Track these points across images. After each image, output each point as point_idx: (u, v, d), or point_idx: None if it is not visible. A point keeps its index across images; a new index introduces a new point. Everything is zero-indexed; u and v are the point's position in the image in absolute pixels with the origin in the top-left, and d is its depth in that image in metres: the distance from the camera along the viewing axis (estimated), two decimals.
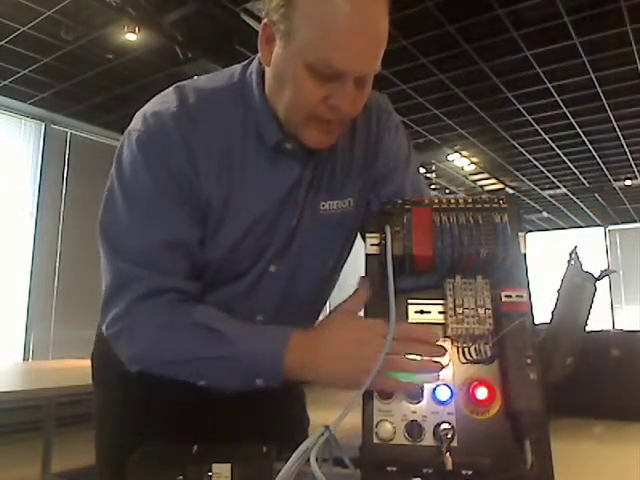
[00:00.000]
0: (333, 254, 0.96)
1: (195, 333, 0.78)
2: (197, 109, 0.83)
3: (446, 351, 0.71)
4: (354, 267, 1.04)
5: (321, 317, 0.92)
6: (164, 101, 0.84)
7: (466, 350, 0.71)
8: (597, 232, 11.10)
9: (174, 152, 0.80)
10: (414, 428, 0.67)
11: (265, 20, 0.78)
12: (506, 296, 0.71)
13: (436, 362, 0.70)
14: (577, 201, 9.37)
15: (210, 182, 0.82)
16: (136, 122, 0.83)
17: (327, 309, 0.90)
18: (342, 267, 1.01)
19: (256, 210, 0.85)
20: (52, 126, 5.74)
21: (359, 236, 0.95)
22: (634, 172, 7.77)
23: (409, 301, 0.75)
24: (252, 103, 0.85)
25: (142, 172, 0.80)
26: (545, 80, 4.95)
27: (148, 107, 0.84)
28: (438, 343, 0.72)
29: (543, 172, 7.80)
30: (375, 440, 0.67)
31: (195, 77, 0.90)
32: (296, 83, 0.75)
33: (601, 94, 5.24)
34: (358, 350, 0.72)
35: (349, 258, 1.01)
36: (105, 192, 0.84)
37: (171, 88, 0.87)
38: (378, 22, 0.74)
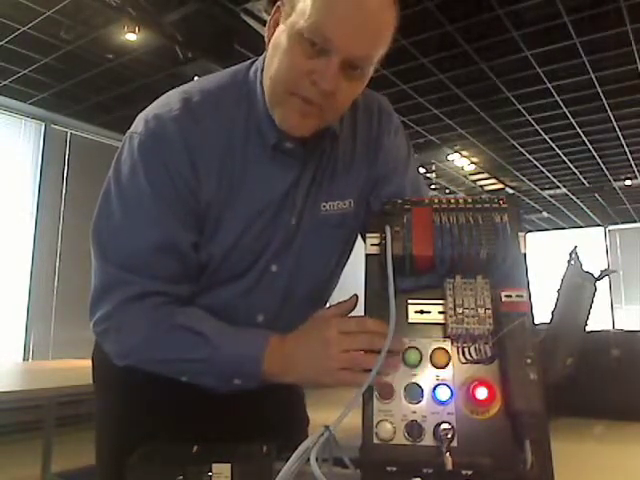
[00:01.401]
0: (334, 255, 0.96)
1: (177, 335, 0.80)
2: (200, 108, 0.83)
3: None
4: (354, 267, 1.04)
5: None
6: (166, 103, 0.84)
7: (466, 350, 0.71)
8: (597, 232, 11.10)
9: (175, 156, 0.80)
10: (414, 428, 0.67)
11: (278, 3, 0.80)
12: (506, 296, 0.71)
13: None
14: (577, 201, 9.37)
15: (210, 183, 0.82)
16: (137, 125, 0.83)
17: None
18: (343, 268, 1.01)
19: (255, 207, 0.86)
20: (52, 126, 5.73)
21: (359, 237, 0.96)
22: (634, 172, 7.76)
23: (409, 301, 0.75)
24: (255, 101, 0.85)
25: (140, 175, 0.80)
26: (545, 80, 4.95)
27: (150, 110, 0.84)
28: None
29: (543, 172, 7.79)
30: (375, 440, 0.67)
31: (196, 78, 0.90)
32: (285, 52, 0.77)
33: (601, 94, 5.23)
34: (323, 350, 0.74)
35: (349, 259, 1.01)
36: (101, 193, 0.84)
37: (174, 90, 0.87)
38: (379, 7, 0.75)
